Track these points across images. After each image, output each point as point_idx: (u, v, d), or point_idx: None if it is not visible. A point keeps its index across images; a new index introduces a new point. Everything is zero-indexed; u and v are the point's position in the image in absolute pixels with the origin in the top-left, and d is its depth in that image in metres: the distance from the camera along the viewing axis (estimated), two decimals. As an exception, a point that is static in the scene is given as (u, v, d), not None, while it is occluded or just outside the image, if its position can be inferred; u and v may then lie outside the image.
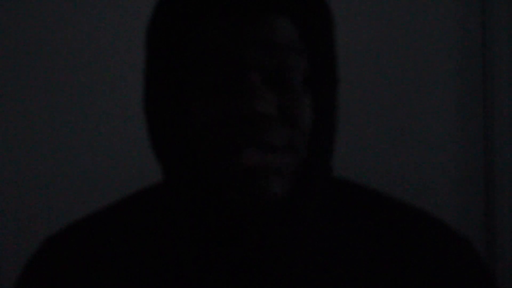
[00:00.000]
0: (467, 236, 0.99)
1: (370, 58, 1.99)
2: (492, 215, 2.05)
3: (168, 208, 0.95)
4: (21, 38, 1.84)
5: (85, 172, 1.86)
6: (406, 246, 0.94)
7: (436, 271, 0.93)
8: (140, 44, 1.86)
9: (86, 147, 1.86)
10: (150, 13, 0.94)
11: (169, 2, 0.91)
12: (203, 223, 0.89)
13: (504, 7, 2.03)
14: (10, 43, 1.84)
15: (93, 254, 0.94)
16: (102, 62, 1.87)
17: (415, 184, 2.02)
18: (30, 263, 0.98)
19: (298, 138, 0.88)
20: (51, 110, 1.85)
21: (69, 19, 1.86)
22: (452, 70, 2.04)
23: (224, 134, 0.86)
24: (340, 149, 0.94)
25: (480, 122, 2.05)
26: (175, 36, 0.89)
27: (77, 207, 1.84)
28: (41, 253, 0.97)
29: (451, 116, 2.04)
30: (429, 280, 0.92)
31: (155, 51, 0.91)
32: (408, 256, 0.93)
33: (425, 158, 2.03)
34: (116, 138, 1.87)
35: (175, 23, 0.89)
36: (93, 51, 1.87)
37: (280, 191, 0.86)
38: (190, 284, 0.90)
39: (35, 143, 1.85)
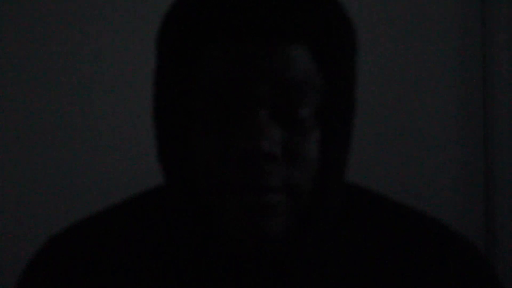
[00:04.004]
0: (472, 240, 0.99)
1: (369, 58, 1.99)
2: (492, 215, 2.05)
3: (170, 215, 0.94)
4: (21, 38, 1.84)
5: (86, 172, 1.86)
6: (419, 254, 0.93)
7: (449, 280, 0.92)
8: (142, 45, 1.86)
9: (88, 147, 1.86)
10: (159, 26, 0.90)
11: (180, 18, 0.86)
12: (200, 252, 0.89)
13: (504, 7, 2.02)
14: (10, 43, 1.84)
15: (96, 254, 0.94)
16: (105, 62, 1.87)
17: (415, 184, 2.01)
18: (33, 262, 0.97)
19: (301, 176, 0.85)
20: (53, 110, 1.85)
21: (69, 19, 1.86)
22: (452, 70, 2.04)
23: (224, 171, 0.83)
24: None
25: (480, 122, 2.05)
26: (185, 55, 0.85)
27: (79, 208, 1.84)
28: (44, 253, 0.97)
29: (451, 116, 2.04)
30: None
31: (164, 66, 0.88)
32: (422, 266, 0.92)
33: (425, 158, 2.02)
34: (119, 139, 1.87)
35: (185, 41, 0.85)
36: (94, 51, 1.87)
37: (276, 230, 0.84)
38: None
39: (36, 143, 1.85)
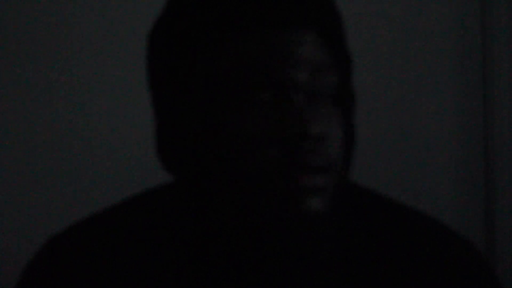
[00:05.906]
0: (472, 240, 0.99)
1: (369, 58, 1.99)
2: (492, 215, 2.05)
3: (180, 213, 0.94)
4: (21, 38, 1.84)
5: (87, 172, 1.86)
6: (418, 254, 0.93)
7: (448, 280, 0.93)
8: (141, 44, 1.86)
9: (89, 146, 1.86)
10: (165, 15, 0.92)
11: (195, 10, 0.89)
12: (205, 249, 0.89)
13: (504, 7, 2.02)
14: (10, 43, 1.84)
15: (96, 254, 0.94)
16: (103, 61, 1.87)
17: (415, 184, 2.01)
18: (33, 263, 0.97)
19: (336, 155, 0.87)
20: (54, 109, 1.85)
21: (69, 18, 1.86)
22: (452, 70, 2.04)
23: (271, 155, 0.85)
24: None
25: (480, 122, 2.05)
26: (200, 48, 0.87)
27: (79, 208, 1.84)
28: (44, 253, 0.97)
29: (451, 116, 2.04)
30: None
31: (176, 61, 0.90)
32: (421, 266, 0.93)
33: (425, 158, 2.03)
34: (119, 138, 1.87)
35: (202, 32, 0.87)
36: (93, 50, 1.87)
37: (322, 209, 0.86)
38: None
39: (36, 143, 1.85)
